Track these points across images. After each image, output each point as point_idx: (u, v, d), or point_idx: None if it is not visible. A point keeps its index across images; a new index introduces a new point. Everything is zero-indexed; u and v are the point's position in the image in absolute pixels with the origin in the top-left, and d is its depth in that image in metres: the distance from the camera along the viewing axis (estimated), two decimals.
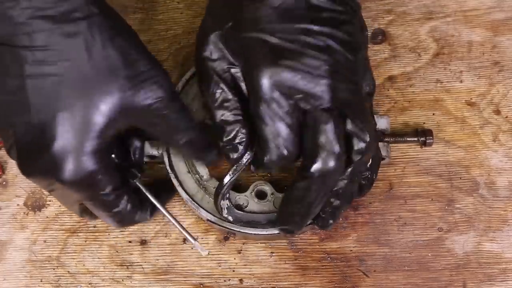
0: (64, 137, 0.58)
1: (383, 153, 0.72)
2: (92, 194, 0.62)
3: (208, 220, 0.71)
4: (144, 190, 0.68)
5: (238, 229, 0.70)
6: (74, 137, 0.58)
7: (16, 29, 0.56)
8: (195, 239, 0.68)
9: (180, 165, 0.73)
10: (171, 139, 0.66)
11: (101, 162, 0.60)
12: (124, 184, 0.65)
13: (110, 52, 0.59)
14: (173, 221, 0.68)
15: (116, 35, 0.60)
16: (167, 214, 0.68)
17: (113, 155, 0.66)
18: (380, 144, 0.72)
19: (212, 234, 0.74)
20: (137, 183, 0.68)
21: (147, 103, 0.61)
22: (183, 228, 0.68)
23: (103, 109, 0.59)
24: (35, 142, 0.59)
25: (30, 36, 0.56)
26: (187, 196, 0.71)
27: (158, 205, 0.68)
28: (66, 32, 0.57)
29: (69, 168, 0.59)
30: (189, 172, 0.73)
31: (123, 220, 0.67)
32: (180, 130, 0.65)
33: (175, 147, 0.70)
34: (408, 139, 0.74)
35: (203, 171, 0.73)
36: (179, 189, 0.71)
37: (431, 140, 0.74)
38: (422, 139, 0.74)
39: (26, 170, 0.61)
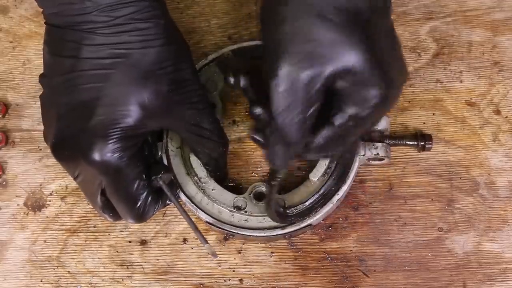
0: (98, 120, 0.61)
1: (383, 153, 0.72)
2: (116, 178, 0.62)
3: (207, 222, 0.71)
4: (164, 188, 0.67)
5: (236, 231, 0.70)
6: (107, 123, 0.61)
7: (84, 18, 0.60)
8: (206, 242, 0.66)
9: (179, 167, 0.73)
10: (197, 146, 0.69)
11: (129, 150, 0.62)
12: (147, 177, 0.65)
13: (163, 56, 0.63)
14: (188, 221, 0.67)
15: (172, 43, 0.64)
16: (183, 214, 0.67)
17: (142, 147, 0.67)
18: (379, 145, 0.72)
19: (212, 234, 0.74)
20: (159, 179, 0.67)
21: (185, 109, 0.65)
22: (197, 230, 0.66)
23: (143, 104, 0.62)
24: (71, 121, 0.62)
25: (95, 24, 0.60)
26: (186, 198, 0.72)
27: (176, 204, 0.68)
28: (126, 30, 0.61)
29: (97, 148, 0.61)
30: (188, 174, 0.73)
31: (142, 214, 0.66)
32: (209, 141, 0.68)
33: (199, 155, 0.72)
34: (408, 142, 0.74)
35: (202, 172, 0.72)
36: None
37: (430, 145, 0.74)
38: (422, 143, 0.74)
39: (58, 150, 0.63)
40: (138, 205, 0.65)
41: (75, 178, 0.65)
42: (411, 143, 0.74)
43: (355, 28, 0.55)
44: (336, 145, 0.61)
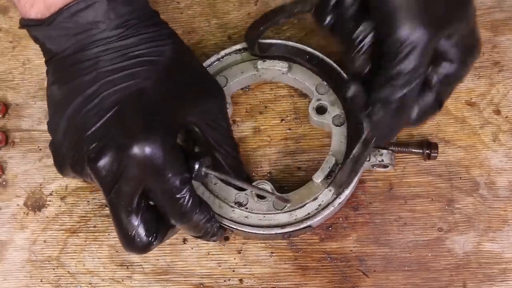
0: (133, 115, 0.62)
1: (387, 160, 0.71)
2: (158, 174, 0.61)
3: None
4: (210, 172, 0.66)
5: (236, 227, 0.70)
6: (143, 116, 0.62)
7: (97, 36, 0.62)
8: (273, 194, 0.69)
9: None
10: (215, 143, 0.70)
11: (168, 144, 0.62)
12: (188, 173, 0.64)
13: (178, 51, 0.66)
14: (247, 186, 0.69)
15: (179, 41, 0.68)
16: (240, 184, 0.68)
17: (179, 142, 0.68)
18: (384, 151, 0.72)
19: None
20: (201, 164, 0.65)
21: (209, 105, 0.68)
22: (257, 188, 0.70)
23: (172, 95, 0.64)
24: (105, 129, 0.62)
25: (108, 39, 0.62)
26: None
27: (231, 180, 0.68)
28: (139, 34, 0.64)
29: (139, 143, 0.60)
30: None
31: (185, 214, 0.64)
32: (226, 137, 0.71)
33: (215, 152, 0.71)
34: (413, 150, 0.74)
35: None
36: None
37: (436, 154, 0.74)
38: (427, 151, 0.74)
39: (95, 162, 0.61)
40: (181, 201, 0.63)
41: (111, 190, 0.62)
42: (416, 151, 0.74)
43: None
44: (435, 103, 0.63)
